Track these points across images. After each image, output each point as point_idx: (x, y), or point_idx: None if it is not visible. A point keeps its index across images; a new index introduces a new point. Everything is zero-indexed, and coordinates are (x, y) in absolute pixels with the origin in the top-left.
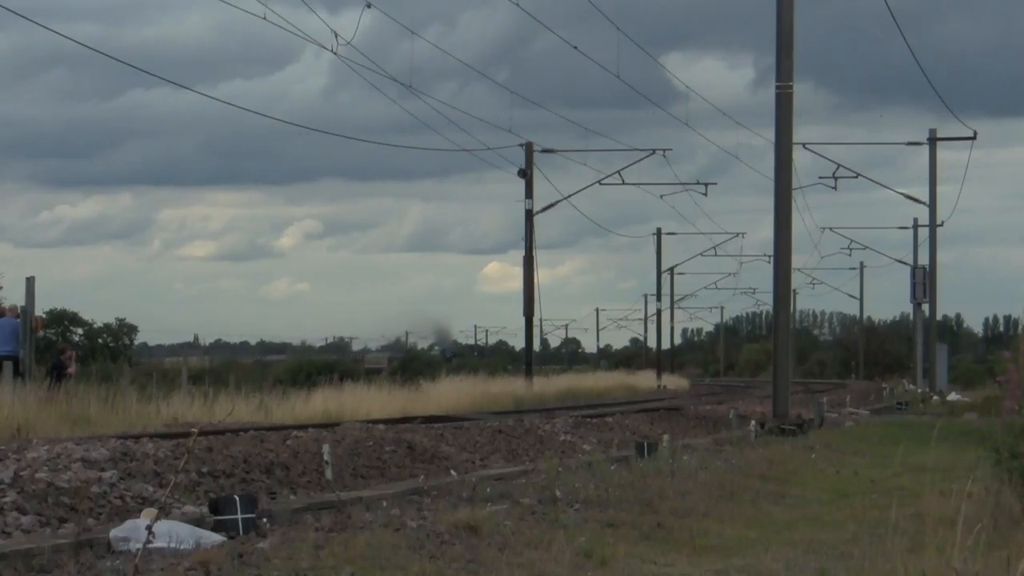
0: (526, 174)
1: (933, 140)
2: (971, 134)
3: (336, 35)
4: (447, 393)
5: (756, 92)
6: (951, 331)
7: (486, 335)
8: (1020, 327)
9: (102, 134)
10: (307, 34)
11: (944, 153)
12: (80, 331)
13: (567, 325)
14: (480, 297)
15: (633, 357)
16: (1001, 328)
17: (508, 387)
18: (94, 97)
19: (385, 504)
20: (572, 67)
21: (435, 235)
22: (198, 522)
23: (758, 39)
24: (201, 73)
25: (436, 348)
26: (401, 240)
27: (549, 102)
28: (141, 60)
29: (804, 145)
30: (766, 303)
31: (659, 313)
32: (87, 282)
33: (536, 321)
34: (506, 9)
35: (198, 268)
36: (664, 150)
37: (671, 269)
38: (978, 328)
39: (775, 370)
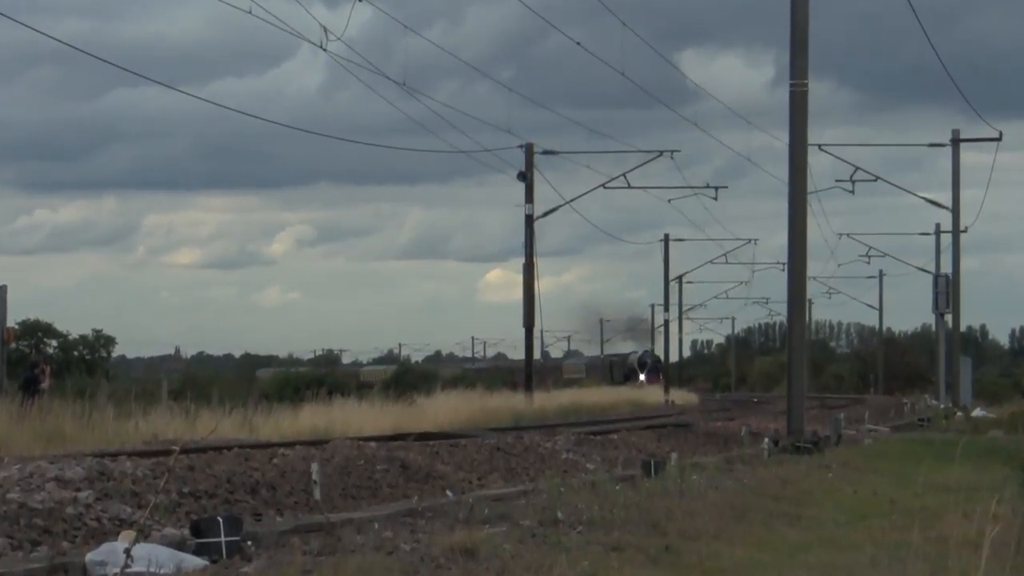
0: (526, 177)
1: (956, 141)
2: (996, 135)
3: (326, 30)
4: (443, 408)
5: (774, 91)
6: (975, 343)
7: (484, 347)
8: None
9: (86, 136)
10: (295, 29)
11: (969, 155)
12: (55, 343)
13: (569, 337)
14: (481, 307)
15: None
16: None
17: (507, 402)
18: (78, 97)
19: (377, 526)
20: (580, 66)
21: (435, 241)
22: (179, 545)
23: (780, 35)
24: (191, 71)
25: (634, 356)
26: (399, 247)
27: (555, 102)
28: (127, 58)
29: (820, 146)
30: (780, 313)
31: (666, 324)
32: (67, 291)
33: (537, 332)
34: (513, 5)
35: (184, 276)
36: (672, 152)
37: (680, 277)
38: (1004, 340)
39: (789, 384)
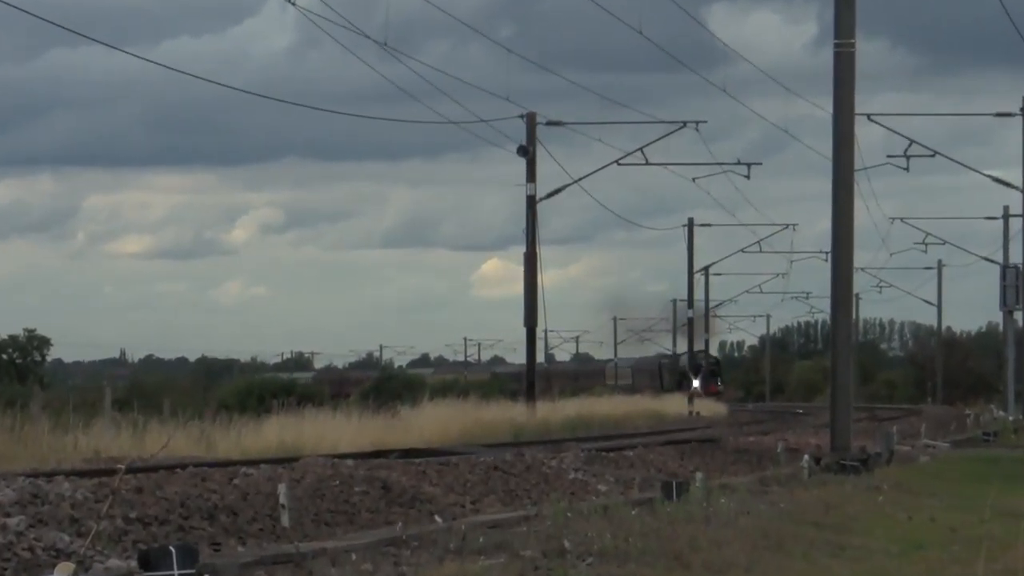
0: (527, 152)
1: None
2: None
3: None
4: (431, 421)
5: (817, 52)
6: None
7: (478, 349)
8: None
9: (18, 104)
10: None
11: None
12: None
13: (577, 338)
14: (476, 303)
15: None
16: None
17: (505, 414)
18: (8, 60)
19: (354, 557)
20: (590, 23)
21: (422, 227)
22: None
23: None
24: (139, 30)
25: (685, 358)
26: (380, 234)
27: (561, 65)
28: (66, 15)
29: (870, 116)
30: (822, 310)
31: (690, 322)
32: None
33: (540, 332)
34: None
35: (131, 268)
36: (697, 123)
37: (706, 269)
38: None
39: (833, 393)
